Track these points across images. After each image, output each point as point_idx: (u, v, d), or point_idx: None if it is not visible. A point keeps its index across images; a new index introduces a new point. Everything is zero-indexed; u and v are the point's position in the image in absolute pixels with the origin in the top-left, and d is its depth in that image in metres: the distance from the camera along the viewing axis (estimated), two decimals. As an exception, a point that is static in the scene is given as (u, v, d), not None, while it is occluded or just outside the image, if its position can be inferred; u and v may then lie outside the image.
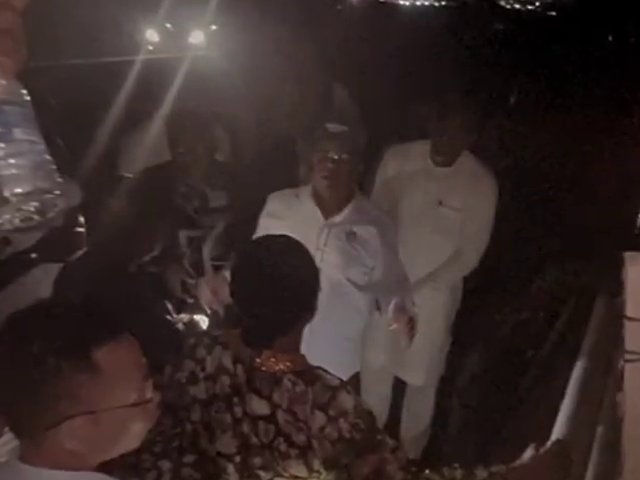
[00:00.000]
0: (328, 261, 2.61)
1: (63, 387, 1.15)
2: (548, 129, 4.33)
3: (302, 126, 3.57)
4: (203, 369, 1.72)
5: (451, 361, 3.40)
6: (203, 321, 2.94)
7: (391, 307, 2.54)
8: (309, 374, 1.64)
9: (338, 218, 2.70)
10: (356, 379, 2.97)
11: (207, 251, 3.01)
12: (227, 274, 2.11)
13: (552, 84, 5.08)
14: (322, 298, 1.77)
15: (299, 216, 2.69)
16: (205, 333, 1.94)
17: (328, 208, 2.70)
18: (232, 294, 1.73)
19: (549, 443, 1.70)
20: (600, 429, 1.85)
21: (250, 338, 1.69)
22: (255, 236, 2.59)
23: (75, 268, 2.54)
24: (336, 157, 2.61)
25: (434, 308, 3.15)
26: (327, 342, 2.54)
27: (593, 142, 4.04)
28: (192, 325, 2.95)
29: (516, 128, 4.55)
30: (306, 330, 1.75)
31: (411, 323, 2.47)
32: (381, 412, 3.30)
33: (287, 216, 2.70)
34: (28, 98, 1.07)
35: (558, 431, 1.82)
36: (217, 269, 2.87)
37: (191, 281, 2.97)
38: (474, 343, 3.50)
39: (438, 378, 3.38)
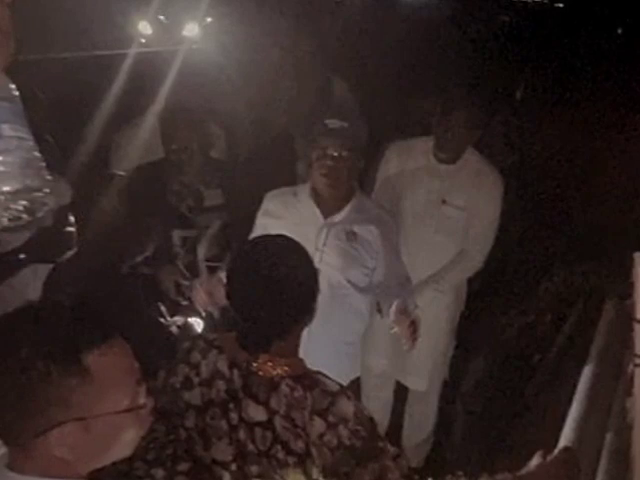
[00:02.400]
0: (328, 262, 2.61)
1: (53, 392, 1.15)
2: (556, 125, 4.32)
3: (300, 122, 3.58)
4: (198, 374, 1.72)
5: (455, 365, 3.40)
6: (198, 324, 2.94)
7: (392, 309, 2.54)
8: (308, 379, 1.64)
9: (338, 217, 2.69)
10: (356, 384, 2.97)
11: (202, 251, 3.01)
12: (223, 275, 2.11)
13: (560, 78, 5.07)
14: (321, 300, 1.77)
15: (297, 215, 2.68)
16: (200, 336, 1.94)
17: (327, 207, 2.70)
18: (228, 296, 1.73)
19: (556, 451, 1.70)
20: (609, 436, 1.85)
21: (247, 342, 1.69)
22: (252, 236, 2.60)
23: (65, 269, 2.54)
24: (335, 154, 2.60)
25: (437, 311, 3.15)
26: (326, 346, 2.54)
27: (603, 139, 4.03)
28: (186, 328, 2.95)
29: (522, 124, 4.54)
30: (305, 333, 1.75)
31: (413, 326, 2.48)
32: (382, 418, 3.31)
33: (285, 215, 2.70)
34: (16, 93, 1.07)
35: (566, 438, 1.82)
36: (212, 270, 2.87)
37: (185, 283, 2.98)
38: (478, 347, 3.50)
39: (441, 383, 3.38)
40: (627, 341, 2.00)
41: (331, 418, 1.58)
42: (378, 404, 3.31)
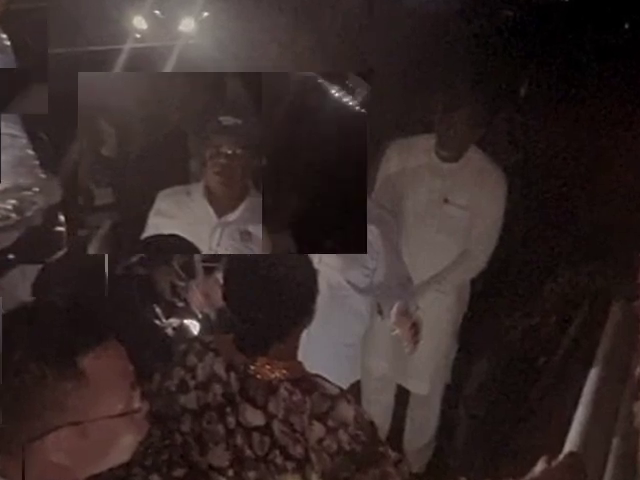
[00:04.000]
0: (327, 263, 2.61)
1: (47, 396, 1.14)
2: (560, 122, 4.32)
3: (193, 119, 3.53)
4: (194, 377, 1.72)
5: (457, 368, 3.40)
6: (194, 326, 2.94)
7: (394, 311, 2.54)
8: (307, 382, 1.64)
9: (232, 216, 2.65)
10: (357, 388, 2.97)
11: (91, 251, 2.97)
12: (219, 276, 2.11)
13: (565, 75, 5.07)
14: (320, 301, 1.77)
15: (191, 215, 2.64)
16: (196, 339, 1.93)
17: (221, 206, 2.64)
18: (225, 297, 1.73)
19: (562, 456, 1.70)
20: (616, 440, 1.85)
21: (244, 344, 1.69)
22: (143, 236, 2.57)
23: (55, 270, 2.54)
24: (229, 152, 2.57)
25: (439, 312, 3.15)
26: (326, 348, 2.54)
27: (609, 136, 4.04)
28: (182, 330, 2.95)
29: (527, 121, 4.55)
30: (304, 336, 1.75)
31: (415, 328, 2.48)
32: (383, 423, 3.30)
33: (178, 215, 2.65)
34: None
35: (571, 443, 1.82)
36: (209, 271, 2.87)
37: (181, 283, 2.97)
38: (482, 349, 3.50)
39: (443, 387, 3.38)
40: (634, 343, 2.01)
41: (331, 422, 1.58)
42: (379, 408, 3.31)
